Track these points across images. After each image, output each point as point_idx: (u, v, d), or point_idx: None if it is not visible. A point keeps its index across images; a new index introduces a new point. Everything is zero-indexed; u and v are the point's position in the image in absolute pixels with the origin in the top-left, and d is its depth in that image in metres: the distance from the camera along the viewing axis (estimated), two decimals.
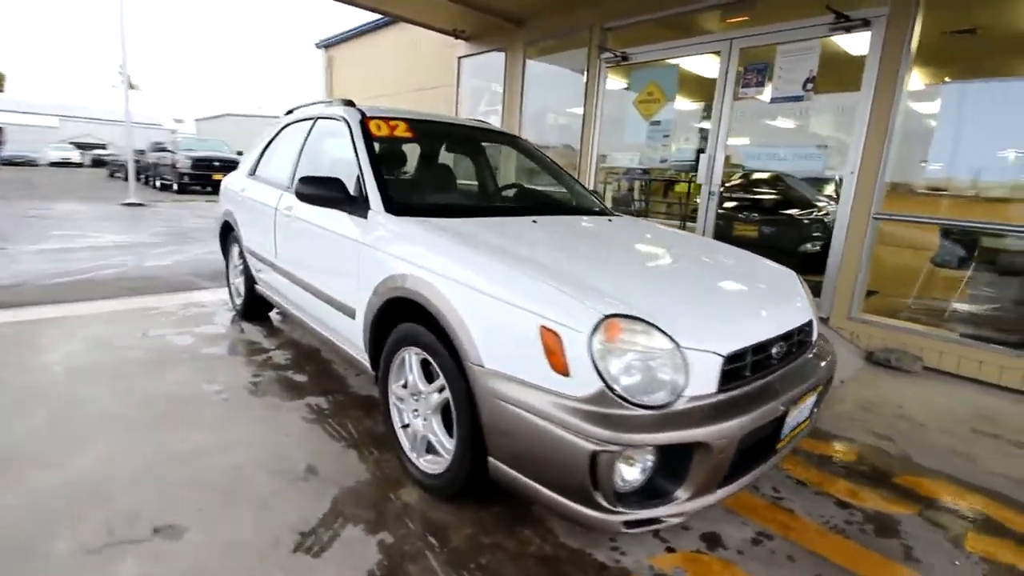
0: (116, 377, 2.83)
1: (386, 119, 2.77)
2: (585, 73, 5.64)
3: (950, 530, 1.95)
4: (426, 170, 3.10)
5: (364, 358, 2.34)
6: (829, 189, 6.55)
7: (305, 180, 2.37)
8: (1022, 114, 3.36)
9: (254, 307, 3.85)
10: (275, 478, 2.02)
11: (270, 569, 1.57)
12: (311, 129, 3.14)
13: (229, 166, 14.88)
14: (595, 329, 1.44)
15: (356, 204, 2.34)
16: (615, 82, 5.54)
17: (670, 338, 1.49)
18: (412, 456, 2.04)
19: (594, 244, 2.20)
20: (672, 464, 1.48)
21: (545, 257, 1.87)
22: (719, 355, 1.56)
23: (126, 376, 2.85)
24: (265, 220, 3.22)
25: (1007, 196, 3.78)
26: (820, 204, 6.33)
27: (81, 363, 2.98)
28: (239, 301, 3.98)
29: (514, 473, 1.60)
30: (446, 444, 1.86)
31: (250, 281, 3.70)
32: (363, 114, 2.74)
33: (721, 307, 1.76)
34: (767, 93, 4.28)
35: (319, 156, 3.00)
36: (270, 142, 3.67)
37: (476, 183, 3.42)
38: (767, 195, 6.09)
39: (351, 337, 2.40)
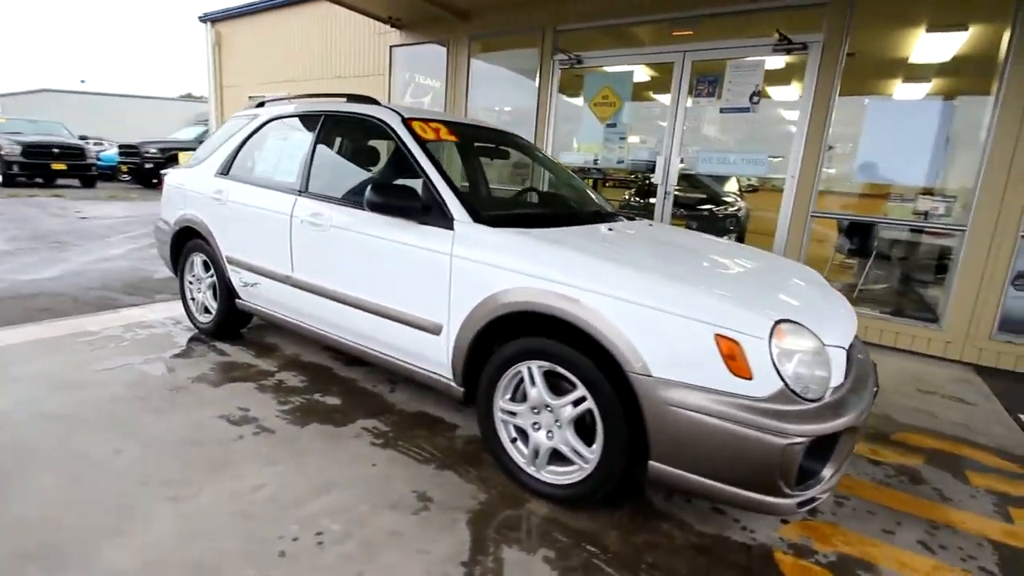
0: (112, 423, 2.36)
1: (426, 120, 2.63)
2: (538, 73, 5.74)
3: (954, 472, 2.45)
4: (473, 176, 3.00)
5: (447, 374, 2.25)
6: (732, 186, 7.48)
7: (379, 189, 2.20)
8: (911, 127, 4.18)
9: (230, 324, 3.41)
10: (394, 513, 1.88)
11: None
12: (320, 128, 2.86)
13: (74, 153, 12.61)
14: (771, 334, 1.59)
15: (432, 214, 2.22)
16: (570, 85, 5.72)
17: (818, 338, 1.69)
18: (530, 470, 2.03)
19: (682, 252, 2.30)
20: (824, 447, 1.69)
21: (671, 268, 1.96)
22: (843, 349, 1.81)
23: (123, 421, 2.39)
24: (269, 228, 2.87)
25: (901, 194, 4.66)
26: (729, 200, 7.20)
27: (53, 409, 2.43)
28: (206, 319, 3.49)
29: (681, 473, 1.69)
30: (585, 453, 1.88)
31: (229, 295, 3.26)
32: (402, 115, 2.58)
33: (820, 308, 2.01)
34: (718, 103, 4.77)
35: (338, 159, 2.75)
36: (247, 138, 3.25)
37: (513, 189, 3.37)
38: (693, 193, 6.75)
39: (428, 354, 2.28)
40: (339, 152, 2.94)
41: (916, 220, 4.25)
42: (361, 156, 3.01)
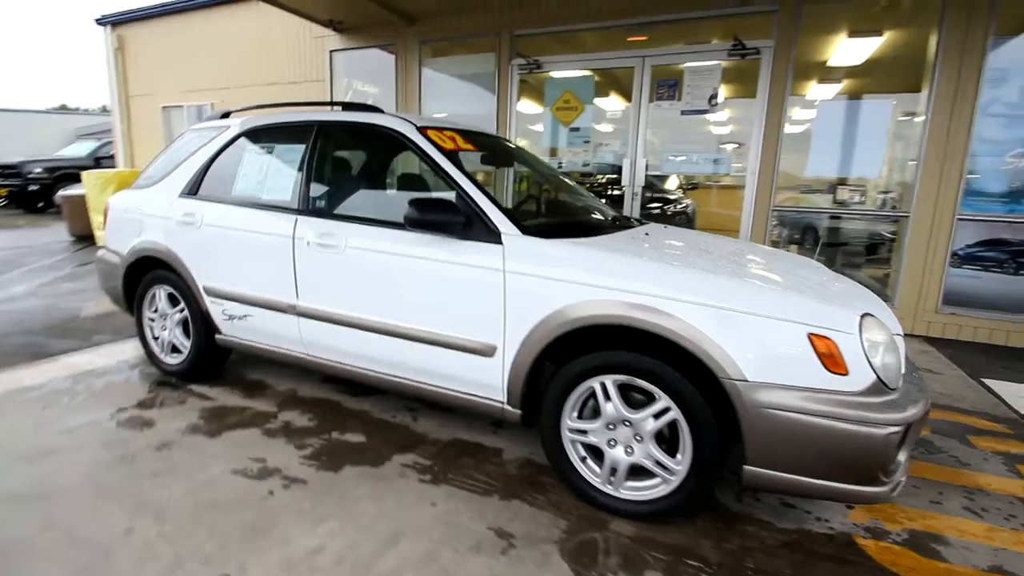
0: (105, 495, 1.99)
1: (440, 129, 2.48)
2: (496, 78, 5.66)
3: (959, 438, 2.67)
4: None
5: (499, 398, 2.11)
6: (672, 184, 7.83)
7: (421, 204, 2.03)
8: (856, 124, 4.58)
9: (207, 363, 3.02)
10: (481, 557, 1.73)
11: None
12: (315, 140, 2.61)
13: None
14: (860, 329, 1.63)
15: (474, 229, 2.08)
16: (530, 89, 5.70)
17: (888, 328, 1.76)
18: (607, 489, 1.95)
19: (728, 254, 2.29)
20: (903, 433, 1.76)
21: (742, 271, 1.96)
22: (901, 335, 1.90)
23: (118, 491, 2.02)
24: (263, 253, 2.58)
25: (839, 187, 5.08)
26: (675, 198, 7.52)
27: (23, 486, 2.01)
28: (175, 359, 3.07)
29: (780, 474, 1.69)
30: (671, 466, 1.83)
31: (206, 331, 2.89)
32: (415, 124, 2.40)
33: (869, 298, 2.10)
34: (679, 105, 4.95)
35: (345, 173, 2.51)
36: (218, 153, 2.90)
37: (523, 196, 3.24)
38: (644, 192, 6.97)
39: (478, 378, 2.13)
40: (341, 166, 2.70)
41: (866, 209, 4.65)
42: (372, 169, 2.78)
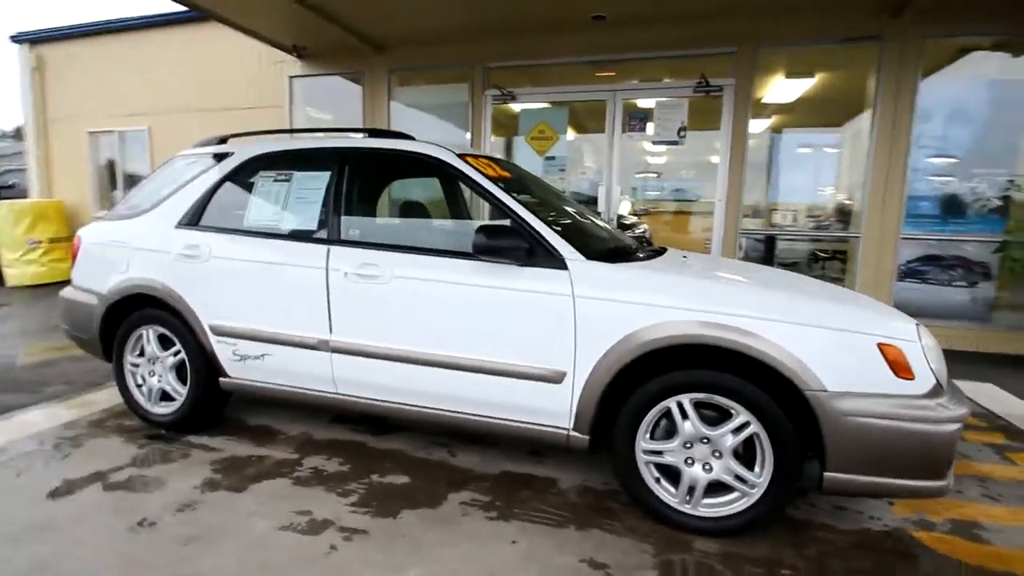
0: (141, 571, 1.73)
1: (475, 156, 2.47)
2: (470, 108, 5.72)
3: None
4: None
5: (565, 424, 2.09)
6: (625, 208, 8.21)
7: (489, 231, 2.00)
8: (811, 154, 5.07)
9: (206, 411, 2.74)
10: None
11: None
12: (342, 168, 2.50)
13: None
14: (919, 336, 1.79)
15: (536, 255, 2.08)
16: (504, 120, 5.80)
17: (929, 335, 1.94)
18: (685, 508, 1.97)
19: (768, 275, 2.41)
20: None
21: (802, 289, 2.10)
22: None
23: (154, 565, 1.77)
24: (289, 285, 2.41)
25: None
26: (631, 223, 7.87)
27: (27, 566, 1.69)
28: (166, 408, 2.75)
29: (856, 477, 1.79)
30: (752, 479, 1.88)
31: (209, 374, 2.64)
32: (455, 152, 2.38)
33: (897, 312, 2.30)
34: (650, 136, 5.24)
35: (380, 201, 2.41)
36: (221, 181, 2.70)
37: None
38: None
39: (543, 406, 2.09)
40: (375, 193, 2.60)
41: (823, 233, 5.11)
42: (410, 197, 2.70)
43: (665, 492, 2.00)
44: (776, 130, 5.15)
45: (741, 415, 1.87)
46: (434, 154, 2.38)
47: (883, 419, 1.73)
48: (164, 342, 2.74)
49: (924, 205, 4.70)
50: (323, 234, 2.43)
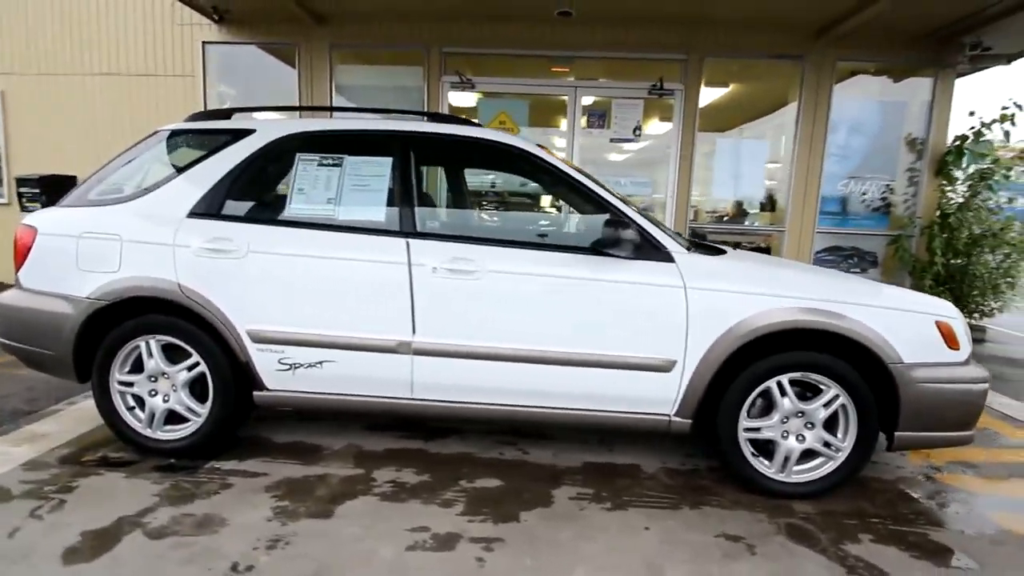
0: None
1: (545, 149, 2.42)
2: (425, 94, 5.46)
3: None
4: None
5: (667, 411, 2.18)
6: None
7: (616, 225, 2.00)
8: (746, 157, 5.71)
9: (228, 431, 2.36)
10: (741, 563, 1.78)
11: None
12: (406, 153, 2.29)
13: None
14: (959, 315, 2.17)
15: (642, 248, 2.12)
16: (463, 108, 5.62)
17: None
18: (780, 476, 2.17)
19: (808, 267, 2.72)
20: None
21: (849, 277, 2.39)
22: None
23: None
24: (362, 284, 2.17)
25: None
26: None
27: None
28: (174, 433, 2.31)
29: (919, 434, 2.14)
30: (840, 445, 2.14)
31: (239, 389, 2.27)
32: (536, 145, 2.32)
33: None
34: (608, 133, 5.47)
35: (462, 191, 2.24)
36: (246, 164, 2.30)
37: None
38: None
39: (649, 395, 2.16)
40: (453, 183, 2.39)
41: (759, 227, 5.76)
42: (490, 187, 2.53)
43: (761, 464, 2.19)
44: (712, 131, 5.68)
45: (832, 389, 2.12)
46: (520, 145, 2.29)
47: (942, 383, 2.09)
48: (172, 354, 2.29)
49: (829, 204, 5.57)
50: (396, 226, 2.22)
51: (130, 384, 2.31)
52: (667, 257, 2.14)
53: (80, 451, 2.39)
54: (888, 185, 5.54)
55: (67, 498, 2.02)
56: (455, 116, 2.52)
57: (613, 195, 2.23)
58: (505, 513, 2.02)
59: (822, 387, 2.13)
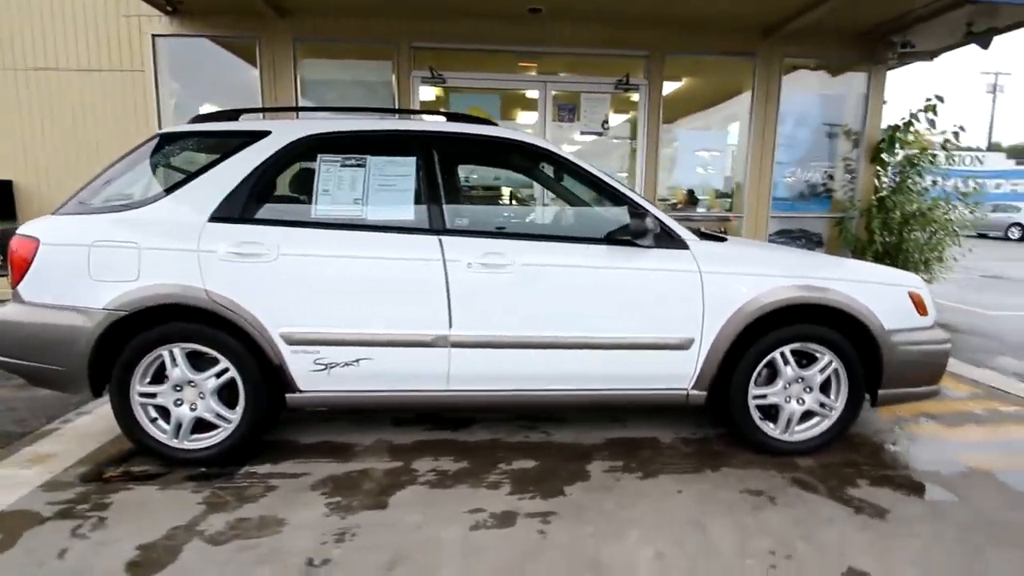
0: None
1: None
2: (395, 89, 5.41)
3: None
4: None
5: (685, 385, 2.39)
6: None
7: (640, 217, 2.15)
8: (706, 147, 6.06)
9: (257, 436, 2.36)
10: (767, 512, 2.01)
11: None
12: (429, 153, 2.35)
13: None
14: (925, 285, 2.50)
15: (661, 238, 2.30)
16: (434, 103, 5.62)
17: None
18: (784, 436, 2.43)
19: (790, 248, 3.01)
20: None
21: (828, 257, 2.67)
22: None
23: None
24: (397, 281, 2.22)
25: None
26: None
27: None
28: (201, 442, 2.28)
29: (896, 390, 2.45)
30: (834, 405, 2.42)
31: (272, 392, 2.27)
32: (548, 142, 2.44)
33: None
34: (578, 126, 5.65)
35: (487, 188, 2.31)
36: (267, 165, 2.28)
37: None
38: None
39: (670, 371, 2.36)
40: (478, 181, 2.45)
41: (722, 213, 6.13)
42: (513, 184, 2.61)
43: (768, 427, 2.45)
44: (672, 123, 6.00)
45: (826, 356, 2.39)
46: (539, 144, 2.40)
47: (916, 345, 2.41)
48: (197, 362, 2.25)
49: (779, 190, 6.03)
50: (426, 224, 2.28)
51: (152, 395, 2.25)
52: (682, 245, 2.33)
53: (97, 468, 2.30)
54: (828, 172, 6.07)
55: (105, 515, 1.96)
56: (473, 116, 2.59)
57: (629, 189, 2.40)
58: (550, 489, 2.16)
59: (817, 355, 2.40)
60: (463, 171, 3.16)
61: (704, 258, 2.32)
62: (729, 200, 6.06)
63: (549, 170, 2.62)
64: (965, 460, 2.44)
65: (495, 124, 2.51)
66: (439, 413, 2.83)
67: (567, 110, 5.65)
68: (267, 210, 2.27)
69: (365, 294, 2.23)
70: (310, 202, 2.31)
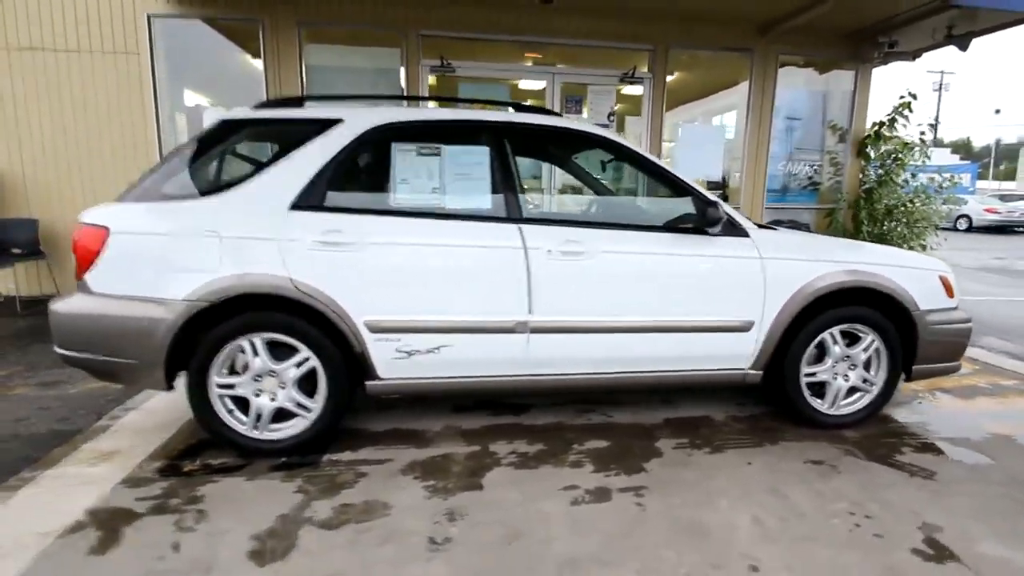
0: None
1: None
2: (403, 76, 5.36)
3: None
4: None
5: (744, 365, 2.54)
6: None
7: (715, 207, 2.26)
8: (707, 138, 6.27)
9: (338, 421, 2.37)
10: (833, 480, 2.19)
11: None
12: (501, 142, 2.40)
13: None
14: (950, 270, 2.74)
15: (727, 227, 2.44)
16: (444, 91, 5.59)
17: None
18: (831, 411, 2.63)
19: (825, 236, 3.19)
20: None
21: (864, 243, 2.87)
22: None
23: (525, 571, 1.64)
24: (480, 269, 2.28)
25: None
26: None
27: None
28: (280, 432, 2.28)
29: (929, 366, 2.68)
30: (874, 380, 2.63)
31: (352, 380, 2.29)
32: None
33: None
34: (585, 119, 5.75)
35: (561, 178, 2.37)
36: (344, 154, 2.27)
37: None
38: None
39: (732, 352, 2.51)
40: (551, 170, 2.50)
41: None
42: (588, 173, 2.67)
43: (816, 403, 2.63)
44: (681, 118, 6.21)
45: (869, 335, 2.59)
46: (610, 136, 2.49)
47: (945, 325, 2.64)
48: (277, 351, 2.24)
49: (772, 182, 6.32)
50: (504, 212, 2.33)
51: (230, 386, 2.23)
52: (744, 233, 2.47)
53: (171, 462, 2.26)
54: (816, 165, 6.40)
55: (203, 508, 1.95)
56: (540, 107, 2.65)
57: (693, 181, 2.52)
58: (630, 466, 2.27)
59: (860, 335, 2.60)
60: (531, 161, 3.20)
61: (764, 245, 2.47)
62: (722, 191, 6.30)
63: (617, 162, 2.70)
64: (987, 427, 2.70)
65: (560, 115, 2.58)
66: (499, 399, 2.90)
67: (574, 101, 5.75)
68: (347, 198, 2.28)
69: (448, 282, 2.27)
70: (386, 190, 2.32)
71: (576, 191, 4.42)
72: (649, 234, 2.43)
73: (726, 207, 2.48)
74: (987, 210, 17.52)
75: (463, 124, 2.45)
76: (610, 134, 2.53)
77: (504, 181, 2.37)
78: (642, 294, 2.40)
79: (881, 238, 6.04)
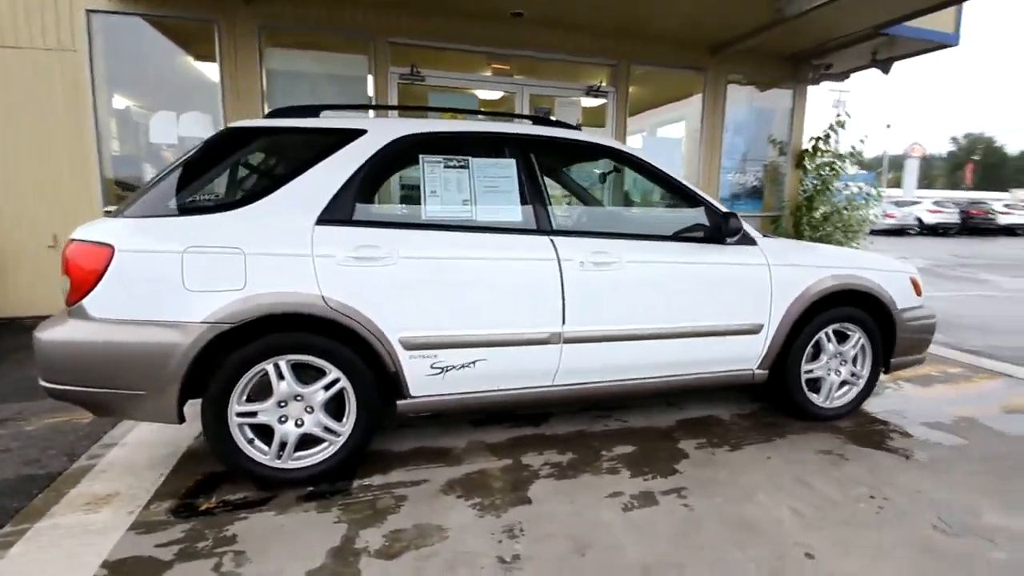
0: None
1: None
2: (371, 85, 5.22)
3: None
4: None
5: (752, 366, 2.70)
6: None
7: (732, 218, 2.39)
8: (665, 150, 6.57)
9: (365, 444, 2.27)
10: (845, 467, 2.36)
11: None
12: (527, 155, 2.41)
13: None
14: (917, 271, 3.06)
15: (740, 236, 2.58)
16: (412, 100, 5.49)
17: None
18: (826, 404, 2.84)
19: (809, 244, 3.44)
20: None
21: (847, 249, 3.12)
22: None
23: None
24: (516, 282, 2.27)
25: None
26: None
27: None
28: (305, 460, 2.15)
29: (903, 359, 2.97)
30: (860, 374, 2.87)
31: (384, 400, 2.20)
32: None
33: None
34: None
35: (582, 190, 2.41)
36: (366, 168, 2.19)
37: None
38: None
39: (742, 354, 2.65)
40: (574, 183, 2.51)
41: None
42: (605, 184, 2.68)
43: (813, 396, 2.84)
44: (640, 130, 6.47)
45: (857, 333, 2.84)
46: (637, 155, 2.57)
47: (917, 321, 2.94)
48: (303, 375, 2.11)
49: (722, 190, 6.75)
50: (535, 225, 2.34)
51: (252, 414, 2.07)
52: (752, 241, 2.64)
53: (183, 501, 2.06)
54: (760, 175, 6.90)
55: (239, 548, 1.79)
56: (561, 121, 2.68)
57: (708, 195, 2.65)
58: (663, 468, 2.34)
59: (849, 333, 2.84)
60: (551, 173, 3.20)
61: (770, 252, 2.65)
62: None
63: (635, 174, 2.79)
64: (952, 412, 3.03)
65: (579, 129, 2.63)
66: (513, 411, 2.89)
67: (542, 112, 5.85)
68: (375, 212, 2.21)
69: (484, 295, 2.24)
70: (415, 203, 2.26)
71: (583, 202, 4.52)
72: (672, 244, 2.53)
73: (739, 220, 2.63)
74: (887, 215, 19.64)
75: (489, 136, 2.43)
76: (636, 151, 2.62)
77: (533, 193, 2.38)
78: (666, 301, 2.49)
79: (821, 241, 6.61)
